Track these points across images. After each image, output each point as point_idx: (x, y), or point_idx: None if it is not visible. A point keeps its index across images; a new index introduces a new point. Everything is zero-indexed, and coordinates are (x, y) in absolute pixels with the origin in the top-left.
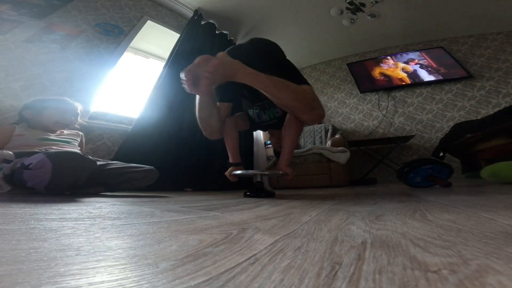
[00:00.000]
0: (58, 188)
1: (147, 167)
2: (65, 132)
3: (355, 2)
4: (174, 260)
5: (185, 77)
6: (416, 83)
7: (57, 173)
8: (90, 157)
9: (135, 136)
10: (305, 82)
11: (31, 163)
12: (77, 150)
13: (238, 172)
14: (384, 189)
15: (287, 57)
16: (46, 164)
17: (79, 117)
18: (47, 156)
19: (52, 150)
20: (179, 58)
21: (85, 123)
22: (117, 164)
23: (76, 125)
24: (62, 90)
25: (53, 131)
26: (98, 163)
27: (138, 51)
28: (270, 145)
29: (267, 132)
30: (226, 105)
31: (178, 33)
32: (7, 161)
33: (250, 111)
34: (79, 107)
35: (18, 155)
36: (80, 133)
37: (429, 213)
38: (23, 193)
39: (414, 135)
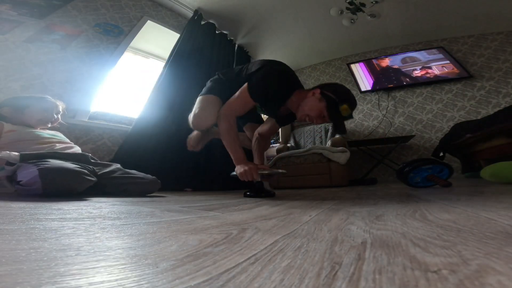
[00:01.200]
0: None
1: (149, 177)
2: (49, 131)
3: (355, 2)
4: (174, 260)
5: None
6: (416, 83)
7: (48, 190)
8: (89, 176)
9: (135, 136)
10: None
11: (21, 180)
12: (78, 148)
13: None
14: (384, 189)
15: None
16: (36, 183)
17: (60, 115)
18: (39, 174)
19: (48, 165)
20: (179, 58)
21: (65, 123)
22: (118, 172)
23: (56, 125)
24: (62, 90)
25: (35, 128)
26: (100, 172)
27: (138, 51)
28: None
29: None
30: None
31: (178, 33)
32: (10, 163)
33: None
34: (61, 105)
35: (24, 157)
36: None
37: (429, 213)
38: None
39: (414, 135)
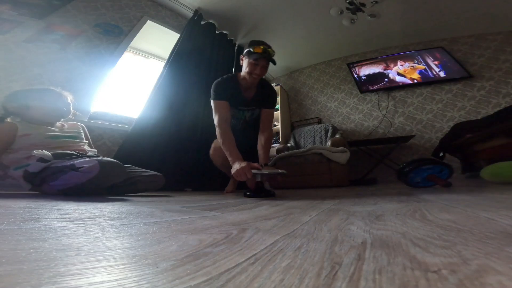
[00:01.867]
0: (73, 192)
1: (154, 172)
2: (66, 125)
3: (355, 2)
4: (174, 260)
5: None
6: (416, 83)
7: (100, 177)
8: (124, 167)
9: (135, 136)
10: None
11: (82, 166)
12: (89, 149)
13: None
14: (384, 189)
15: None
16: (95, 170)
17: (71, 106)
18: (99, 163)
19: (104, 158)
20: (179, 58)
21: (78, 114)
22: (129, 168)
23: (71, 116)
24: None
25: (48, 124)
26: None
27: (138, 51)
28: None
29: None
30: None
31: (178, 33)
32: (43, 160)
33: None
34: (69, 96)
35: (55, 156)
36: (80, 124)
37: (429, 213)
38: (39, 193)
39: (414, 135)
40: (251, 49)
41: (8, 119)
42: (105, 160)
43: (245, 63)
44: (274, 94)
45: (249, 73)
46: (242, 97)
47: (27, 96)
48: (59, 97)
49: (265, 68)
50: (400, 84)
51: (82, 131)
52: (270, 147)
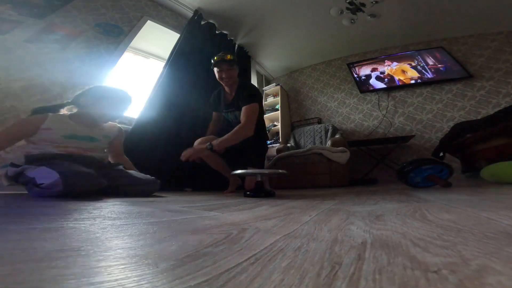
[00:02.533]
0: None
1: (148, 178)
2: (105, 125)
3: (355, 2)
4: (174, 260)
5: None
6: (416, 83)
7: (67, 192)
8: (102, 179)
9: (135, 136)
10: None
11: (42, 183)
12: (95, 155)
13: (238, 171)
14: (384, 189)
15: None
16: (58, 186)
17: (126, 111)
18: (61, 177)
19: (71, 169)
20: (179, 58)
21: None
22: (119, 176)
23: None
24: (62, 90)
25: (93, 125)
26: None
27: (138, 51)
28: (270, 145)
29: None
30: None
31: (178, 33)
32: (15, 165)
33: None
34: (132, 102)
35: (29, 159)
36: (119, 126)
37: (429, 213)
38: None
39: (414, 135)
40: (212, 61)
41: (64, 109)
42: (70, 171)
43: (215, 74)
44: (248, 91)
45: (220, 79)
46: (224, 101)
47: (99, 94)
48: (124, 105)
49: (228, 70)
50: (401, 83)
51: (111, 134)
52: (234, 135)
